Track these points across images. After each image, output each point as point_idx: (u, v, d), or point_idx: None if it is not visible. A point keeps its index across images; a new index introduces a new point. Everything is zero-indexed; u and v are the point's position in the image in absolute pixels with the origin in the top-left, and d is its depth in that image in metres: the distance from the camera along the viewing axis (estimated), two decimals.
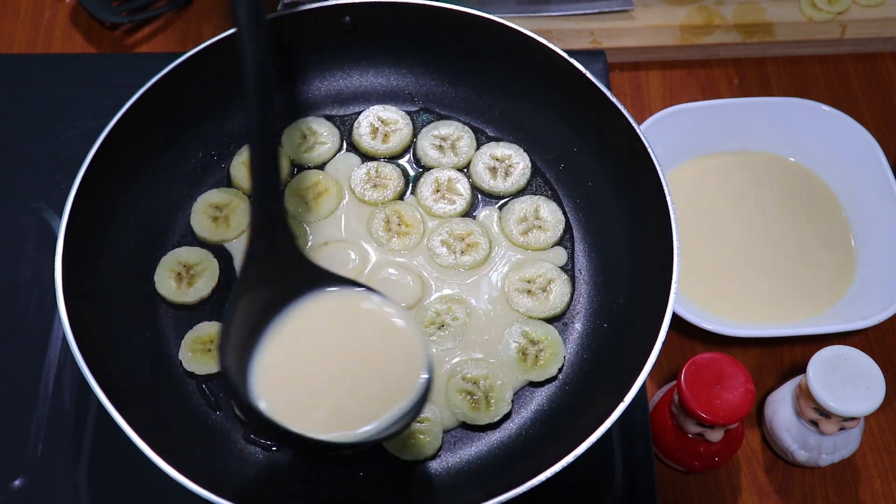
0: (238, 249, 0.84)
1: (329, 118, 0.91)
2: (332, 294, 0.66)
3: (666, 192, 0.77)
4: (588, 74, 0.83)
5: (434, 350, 0.80)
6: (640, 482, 0.82)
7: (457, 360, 0.79)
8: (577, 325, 0.82)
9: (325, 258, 0.83)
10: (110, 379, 0.71)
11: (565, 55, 0.84)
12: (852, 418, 0.81)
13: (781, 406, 0.87)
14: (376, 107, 0.92)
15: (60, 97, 1.00)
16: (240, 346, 0.62)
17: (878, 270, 0.95)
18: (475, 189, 0.88)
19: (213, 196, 0.86)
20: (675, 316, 0.82)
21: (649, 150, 0.78)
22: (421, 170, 0.89)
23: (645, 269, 0.79)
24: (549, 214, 0.86)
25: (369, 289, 0.67)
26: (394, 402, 0.63)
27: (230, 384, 0.61)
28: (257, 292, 0.64)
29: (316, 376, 0.63)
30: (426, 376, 0.64)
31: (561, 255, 0.85)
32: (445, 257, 0.84)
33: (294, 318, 0.65)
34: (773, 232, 1.00)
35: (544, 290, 0.82)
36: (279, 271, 0.66)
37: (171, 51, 1.10)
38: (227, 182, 0.88)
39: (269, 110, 0.67)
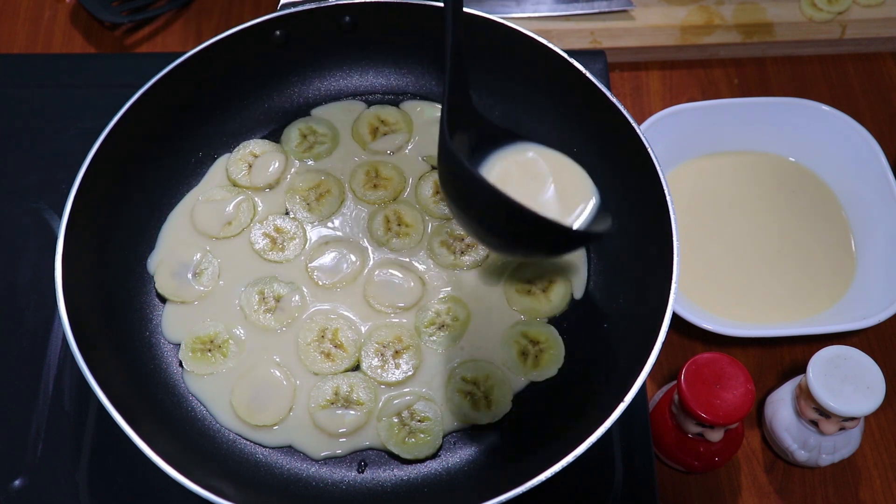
0: (238, 248, 0.84)
1: (330, 118, 0.91)
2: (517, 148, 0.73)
3: (666, 192, 0.77)
4: (588, 74, 0.83)
5: (434, 351, 0.80)
6: (640, 482, 0.82)
7: (457, 360, 0.79)
8: (578, 325, 0.82)
9: (325, 258, 0.83)
10: (110, 379, 0.71)
11: (565, 55, 0.84)
12: (852, 418, 0.81)
13: (781, 406, 0.87)
14: (376, 107, 0.92)
15: (60, 97, 1.00)
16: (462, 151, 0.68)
17: (878, 270, 0.95)
18: None
19: (216, 193, 0.86)
20: (675, 316, 0.82)
21: (649, 150, 0.78)
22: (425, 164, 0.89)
23: (645, 269, 0.79)
24: None
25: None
26: (581, 205, 0.71)
27: (456, 156, 0.65)
28: (462, 136, 0.71)
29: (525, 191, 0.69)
30: (595, 194, 0.72)
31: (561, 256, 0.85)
32: (445, 257, 0.84)
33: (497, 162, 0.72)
34: (773, 232, 1.00)
35: (544, 290, 0.82)
36: (473, 121, 0.73)
37: (171, 51, 1.10)
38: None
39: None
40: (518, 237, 0.67)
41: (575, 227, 0.68)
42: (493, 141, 0.73)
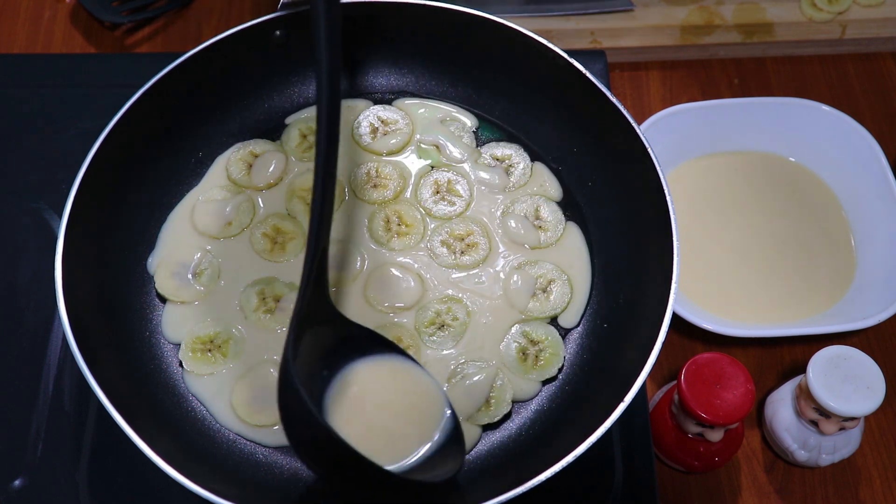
0: (238, 248, 0.84)
1: None
2: (377, 360, 0.75)
3: (666, 192, 0.77)
4: (588, 74, 0.83)
5: (434, 351, 0.80)
6: (640, 482, 0.82)
7: (457, 360, 0.79)
8: (577, 326, 0.82)
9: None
10: (110, 379, 0.71)
11: (565, 55, 0.84)
12: (852, 418, 0.81)
13: (781, 406, 0.87)
14: (376, 107, 0.92)
15: (60, 97, 1.00)
16: (306, 378, 0.67)
17: (878, 270, 0.95)
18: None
19: (216, 193, 0.86)
20: (675, 316, 0.82)
21: (649, 150, 0.78)
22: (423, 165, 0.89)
23: (645, 269, 0.79)
24: (549, 214, 0.86)
25: (402, 353, 0.76)
26: (428, 439, 0.72)
27: (302, 400, 0.63)
28: (311, 338, 0.70)
29: (367, 420, 0.71)
30: (448, 412, 0.73)
31: (561, 254, 0.85)
32: (445, 257, 0.84)
33: (350, 375, 0.73)
34: (774, 232, 1.00)
35: (544, 290, 0.82)
36: (328, 321, 0.74)
37: (171, 51, 1.10)
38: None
39: (335, 120, 0.73)
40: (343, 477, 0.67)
41: (409, 461, 0.70)
42: (356, 346, 0.74)
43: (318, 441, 0.64)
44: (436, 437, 0.71)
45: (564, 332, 0.81)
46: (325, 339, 0.72)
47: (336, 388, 0.71)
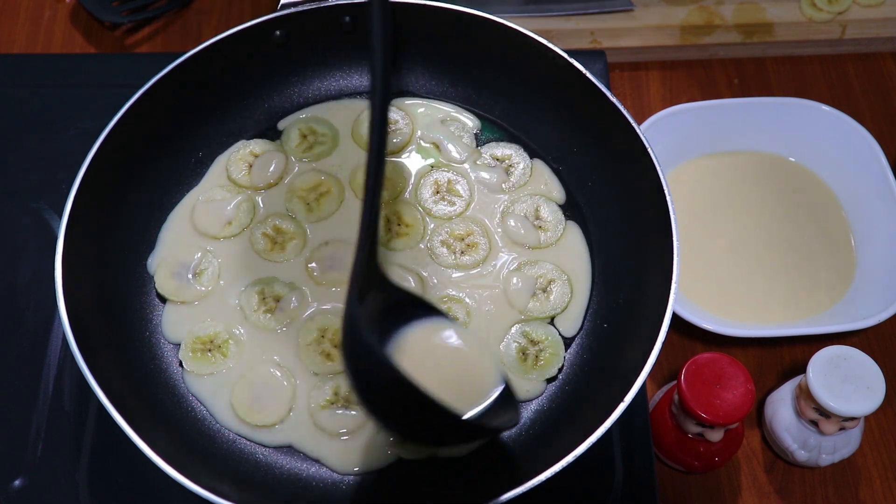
0: (238, 248, 0.84)
1: (329, 118, 0.91)
2: (428, 324, 0.74)
3: (666, 192, 0.77)
4: (588, 74, 0.83)
5: None
6: (640, 482, 0.82)
7: None
8: (579, 331, 0.82)
9: (325, 258, 0.83)
10: (110, 379, 0.71)
11: (565, 55, 0.84)
12: (852, 418, 0.81)
13: (781, 406, 0.87)
14: None
15: (60, 97, 1.00)
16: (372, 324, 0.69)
17: (878, 270, 0.95)
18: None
19: (216, 193, 0.86)
20: (675, 316, 0.82)
21: (649, 150, 0.78)
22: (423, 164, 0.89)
23: (645, 269, 0.79)
24: (549, 214, 0.86)
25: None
26: (484, 397, 0.71)
27: (364, 336, 0.64)
28: (374, 299, 0.71)
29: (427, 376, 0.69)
30: (500, 374, 0.73)
31: (561, 254, 0.85)
32: (445, 257, 0.84)
33: (403, 340, 0.73)
34: (774, 232, 1.00)
35: (544, 290, 0.82)
36: (379, 287, 0.74)
37: (171, 51, 1.10)
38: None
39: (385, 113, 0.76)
40: (407, 421, 0.66)
41: (466, 416, 0.68)
42: (402, 312, 0.73)
43: (388, 385, 0.63)
44: (493, 395, 0.71)
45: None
46: (377, 303, 0.72)
47: (391, 351, 0.71)
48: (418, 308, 0.74)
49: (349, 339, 0.65)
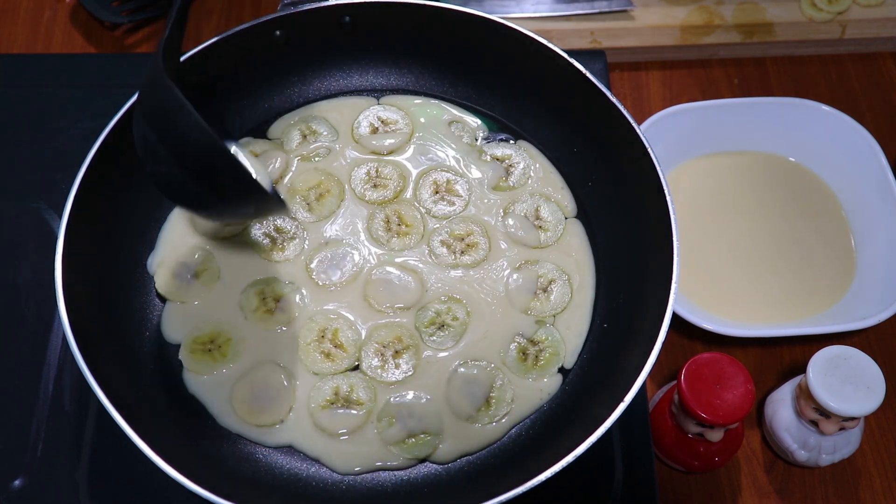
0: (238, 248, 0.84)
1: (329, 118, 0.91)
2: None
3: (666, 192, 0.77)
4: (588, 74, 0.83)
5: (434, 351, 0.80)
6: (640, 482, 0.82)
7: (457, 360, 0.79)
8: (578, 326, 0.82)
9: (325, 258, 0.83)
10: (110, 379, 0.71)
11: (565, 55, 0.84)
12: (852, 418, 0.81)
13: (781, 406, 0.87)
14: (376, 107, 0.92)
15: (60, 97, 1.00)
16: None
17: (878, 270, 0.95)
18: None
19: None
20: (675, 316, 0.82)
21: (649, 150, 0.78)
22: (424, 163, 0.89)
23: (645, 268, 0.79)
24: (549, 214, 0.86)
25: None
26: None
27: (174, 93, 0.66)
28: None
29: None
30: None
31: (562, 254, 0.85)
32: (445, 257, 0.84)
33: None
34: (773, 232, 1.00)
35: (545, 290, 0.82)
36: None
37: None
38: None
39: None
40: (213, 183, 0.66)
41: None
42: None
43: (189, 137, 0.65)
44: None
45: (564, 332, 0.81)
46: None
47: None
48: None
49: (153, 86, 0.66)
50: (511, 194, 0.87)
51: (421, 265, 0.84)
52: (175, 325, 0.81)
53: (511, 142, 0.90)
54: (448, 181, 0.87)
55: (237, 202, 0.70)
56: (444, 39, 0.89)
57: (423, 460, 0.76)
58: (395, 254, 0.84)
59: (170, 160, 0.66)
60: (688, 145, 1.03)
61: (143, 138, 0.67)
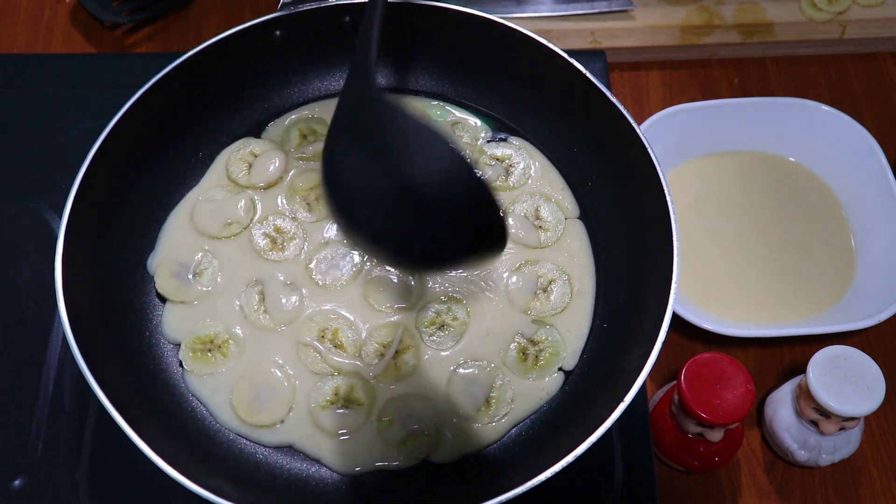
0: (238, 248, 0.84)
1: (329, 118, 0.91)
2: None
3: (666, 192, 0.77)
4: (588, 74, 0.83)
5: (434, 351, 0.80)
6: (640, 482, 0.82)
7: (457, 360, 0.79)
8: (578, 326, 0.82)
9: (325, 258, 0.83)
10: (110, 379, 0.71)
11: (565, 55, 0.84)
12: (852, 418, 0.81)
13: (781, 406, 0.87)
14: None
15: (60, 97, 1.00)
16: None
17: (878, 270, 0.95)
18: None
19: (216, 193, 0.86)
20: (675, 316, 0.82)
21: (649, 150, 0.78)
22: None
23: (645, 268, 0.79)
24: (549, 214, 0.86)
25: None
26: None
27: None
28: None
29: None
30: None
31: (562, 254, 0.85)
32: None
33: None
34: (773, 232, 1.00)
35: (545, 290, 0.82)
36: None
37: (171, 51, 1.10)
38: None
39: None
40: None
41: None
42: None
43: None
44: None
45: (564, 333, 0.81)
46: None
47: None
48: None
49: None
50: (511, 194, 0.87)
51: None
52: (175, 325, 0.81)
53: (511, 141, 0.90)
54: None
55: (486, 254, 0.60)
56: (444, 39, 0.89)
57: (423, 460, 0.76)
58: None
59: (407, 205, 0.55)
60: (688, 145, 1.03)
61: (350, 182, 0.55)
